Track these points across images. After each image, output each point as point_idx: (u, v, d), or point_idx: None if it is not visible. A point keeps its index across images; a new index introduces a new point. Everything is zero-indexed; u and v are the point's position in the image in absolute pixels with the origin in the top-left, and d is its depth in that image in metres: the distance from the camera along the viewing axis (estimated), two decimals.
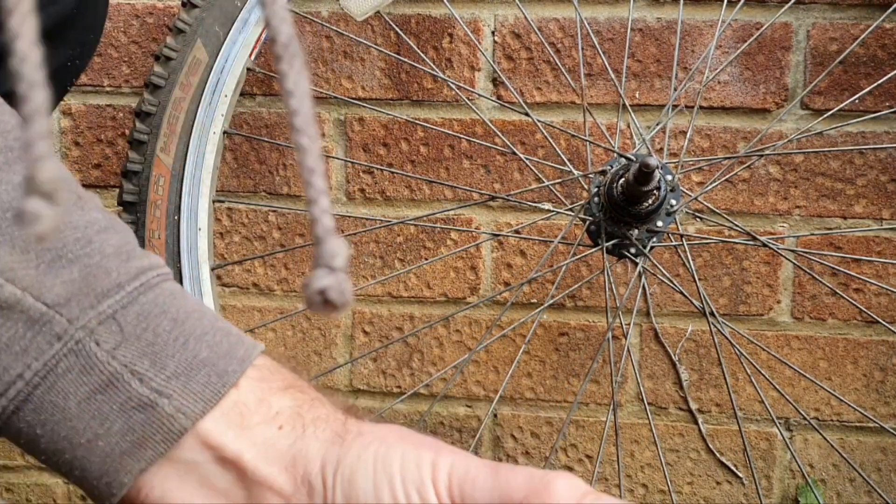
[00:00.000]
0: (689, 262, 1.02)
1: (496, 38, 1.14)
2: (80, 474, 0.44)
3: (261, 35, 1.00)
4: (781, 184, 1.13)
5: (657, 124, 1.08)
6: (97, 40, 0.74)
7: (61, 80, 0.72)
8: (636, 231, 0.94)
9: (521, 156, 1.05)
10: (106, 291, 0.44)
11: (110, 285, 0.44)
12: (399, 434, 0.43)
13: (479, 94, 1.14)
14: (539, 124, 1.04)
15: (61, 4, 0.65)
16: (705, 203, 1.11)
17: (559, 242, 1.07)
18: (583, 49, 1.11)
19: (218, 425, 0.43)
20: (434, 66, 1.12)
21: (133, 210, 0.98)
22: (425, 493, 0.41)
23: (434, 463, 0.41)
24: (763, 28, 1.06)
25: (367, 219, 1.18)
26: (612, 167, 0.95)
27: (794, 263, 1.13)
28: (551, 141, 1.06)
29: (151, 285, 0.46)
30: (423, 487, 0.41)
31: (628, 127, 1.13)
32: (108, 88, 1.20)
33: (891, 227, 1.11)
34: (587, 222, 0.96)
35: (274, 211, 1.19)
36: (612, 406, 1.16)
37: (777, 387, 1.08)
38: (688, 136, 1.09)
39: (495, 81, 1.15)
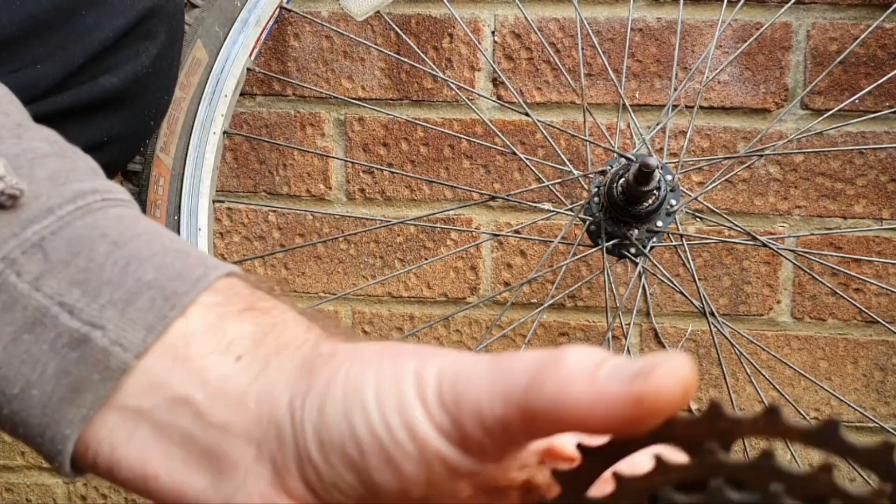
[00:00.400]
0: (689, 262, 1.02)
1: (496, 38, 1.14)
2: (24, 431, 0.37)
3: (261, 35, 1.00)
4: (781, 184, 1.13)
5: (657, 124, 1.08)
6: (169, 101, 0.72)
7: (136, 140, 0.70)
8: (636, 231, 0.94)
9: (521, 156, 1.05)
10: (32, 218, 0.37)
11: (38, 211, 0.38)
12: (377, 349, 0.35)
13: (479, 94, 1.14)
14: (539, 124, 1.04)
15: (138, 64, 0.64)
16: (705, 203, 1.11)
17: (559, 242, 1.07)
18: (583, 49, 1.11)
19: (163, 360, 0.36)
20: (434, 66, 1.12)
21: None
22: (409, 413, 0.32)
23: (418, 372, 0.33)
24: (763, 28, 1.06)
25: (367, 219, 1.18)
26: (612, 167, 0.95)
27: (794, 263, 1.13)
28: (551, 141, 1.06)
29: (92, 209, 0.39)
30: (405, 408, 0.32)
31: (628, 127, 1.13)
32: None
33: (891, 227, 1.11)
34: (587, 222, 0.96)
35: (274, 211, 1.19)
36: None
37: (777, 387, 1.08)
38: (688, 136, 1.09)
39: (495, 81, 1.15)
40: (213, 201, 1.01)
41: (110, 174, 0.72)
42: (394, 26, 1.11)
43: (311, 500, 0.34)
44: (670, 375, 0.29)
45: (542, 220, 1.15)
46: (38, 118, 0.44)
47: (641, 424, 0.30)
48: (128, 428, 0.36)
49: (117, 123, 0.66)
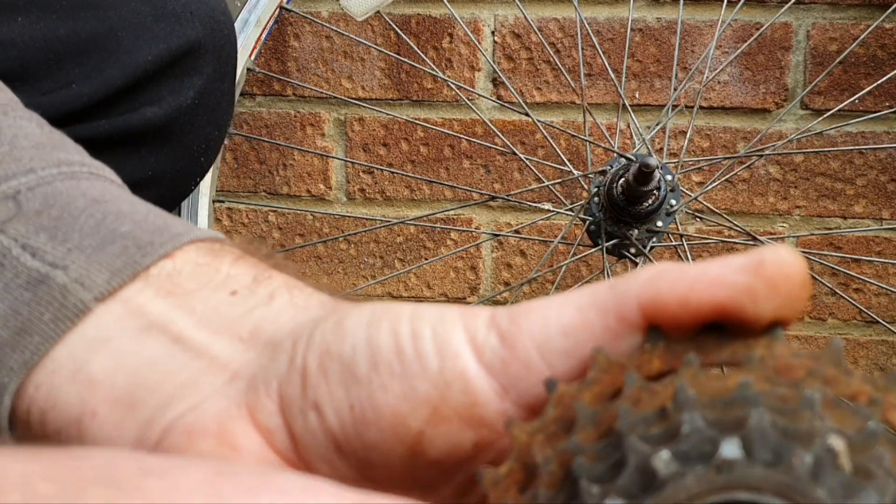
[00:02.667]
0: (689, 262, 1.02)
1: (496, 38, 1.14)
2: None
3: (261, 35, 1.00)
4: (781, 184, 1.13)
5: (657, 124, 1.08)
6: (222, 138, 0.68)
7: (185, 179, 0.67)
8: (636, 231, 0.94)
9: (521, 156, 1.05)
10: (10, 174, 0.35)
11: (18, 170, 0.35)
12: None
13: (479, 94, 1.14)
14: (539, 124, 1.04)
15: (182, 96, 0.62)
16: (705, 203, 1.11)
17: (559, 242, 1.07)
18: (583, 49, 1.11)
19: (142, 295, 0.32)
20: (434, 67, 1.12)
21: None
22: (446, 328, 0.27)
23: (465, 311, 0.28)
24: (763, 28, 1.06)
25: (367, 219, 1.18)
26: (611, 167, 0.95)
27: None
28: (551, 141, 1.06)
29: (76, 175, 0.36)
30: (443, 322, 0.27)
31: (628, 127, 1.13)
32: None
33: (891, 227, 1.11)
34: (587, 222, 0.96)
35: (274, 211, 1.19)
36: None
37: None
38: (688, 136, 1.09)
39: (495, 81, 1.15)
40: (213, 201, 1.01)
41: None
42: (394, 26, 1.11)
43: (276, 424, 0.29)
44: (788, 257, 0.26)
45: (542, 220, 1.15)
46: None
47: (755, 299, 0.25)
48: (76, 363, 0.31)
49: (163, 159, 0.64)
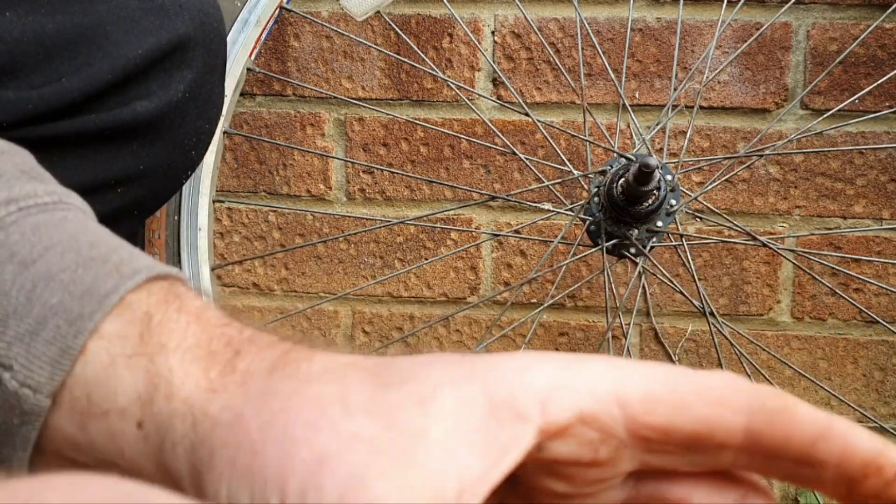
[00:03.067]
0: (689, 262, 1.02)
1: (496, 38, 1.14)
2: None
3: (261, 35, 1.00)
4: (781, 184, 1.13)
5: (657, 124, 1.08)
6: (212, 131, 0.69)
7: (178, 172, 0.67)
8: (636, 231, 0.94)
9: (521, 156, 1.05)
10: None
11: None
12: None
13: (479, 94, 1.14)
14: (539, 124, 1.04)
15: (172, 90, 0.62)
16: (705, 203, 1.11)
17: (559, 242, 1.07)
18: (583, 49, 1.11)
19: (63, 419, 0.33)
20: (434, 67, 1.12)
21: None
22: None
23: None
24: (763, 28, 1.06)
25: (367, 219, 1.18)
26: (611, 167, 0.95)
27: (794, 263, 1.13)
28: (551, 141, 1.06)
29: (5, 225, 0.36)
30: None
31: (628, 127, 1.13)
32: None
33: (891, 227, 1.11)
34: (587, 222, 0.96)
35: (274, 211, 1.19)
36: None
37: (777, 387, 1.08)
38: (688, 136, 1.09)
39: (495, 81, 1.15)
40: (213, 201, 1.01)
41: (154, 207, 0.68)
42: (394, 26, 1.11)
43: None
44: None
45: (542, 220, 1.15)
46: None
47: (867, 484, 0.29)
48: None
49: (155, 153, 0.63)
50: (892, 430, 1.07)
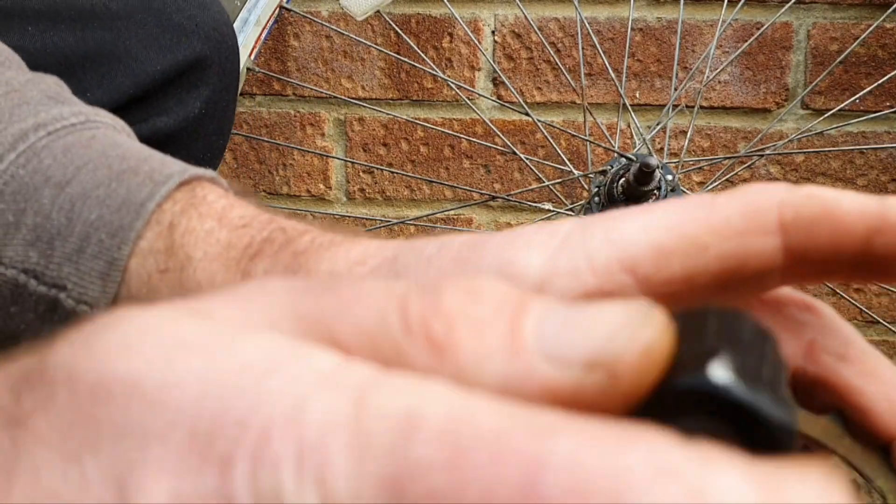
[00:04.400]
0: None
1: (496, 37, 1.14)
2: None
3: (260, 35, 1.00)
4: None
5: (657, 124, 1.08)
6: (225, 145, 0.71)
7: None
8: None
9: (522, 156, 1.05)
10: None
11: None
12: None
13: (479, 94, 1.14)
14: (539, 124, 1.04)
15: (189, 106, 0.64)
16: None
17: None
18: (583, 49, 1.11)
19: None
20: (434, 66, 1.12)
21: None
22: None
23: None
24: (763, 28, 1.06)
25: (367, 219, 1.18)
26: (612, 167, 0.94)
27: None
28: (551, 141, 1.06)
29: (36, 150, 0.37)
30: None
31: (628, 127, 1.13)
32: None
33: None
34: None
35: (274, 210, 1.19)
36: None
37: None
38: (688, 135, 1.09)
39: (495, 81, 1.15)
40: None
41: None
42: (394, 26, 1.11)
43: None
44: None
45: (543, 220, 1.15)
46: None
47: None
48: None
49: None
50: None
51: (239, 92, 1.04)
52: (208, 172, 0.37)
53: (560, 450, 0.14)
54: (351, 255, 0.31)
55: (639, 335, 0.17)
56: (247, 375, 0.16)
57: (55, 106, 0.38)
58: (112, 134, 0.39)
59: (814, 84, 1.09)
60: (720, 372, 0.17)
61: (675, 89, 1.08)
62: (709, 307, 0.19)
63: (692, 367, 0.17)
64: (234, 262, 0.33)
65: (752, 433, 0.17)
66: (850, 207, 0.26)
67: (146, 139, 0.62)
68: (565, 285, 0.26)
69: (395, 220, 1.16)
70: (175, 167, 0.36)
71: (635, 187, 0.88)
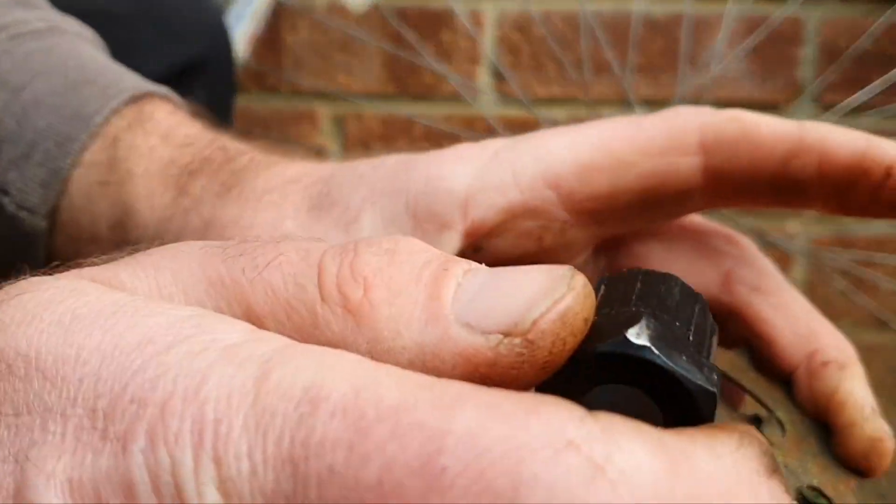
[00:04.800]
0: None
1: (498, 31, 1.13)
2: None
3: (255, 29, 0.99)
4: None
5: None
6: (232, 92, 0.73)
7: None
8: None
9: None
10: None
11: None
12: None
13: (480, 89, 1.12)
14: (542, 120, 1.03)
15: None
16: None
17: None
18: (587, 42, 1.10)
19: (62, 244, 0.35)
20: (434, 61, 1.11)
21: None
22: None
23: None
24: (772, 22, 1.04)
25: None
26: None
27: (805, 264, 1.11)
28: None
29: None
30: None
31: None
32: None
33: None
34: None
35: None
36: None
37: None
38: None
39: (497, 76, 1.13)
40: None
41: None
42: (392, 19, 1.10)
43: None
44: None
45: None
46: None
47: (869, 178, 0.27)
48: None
49: None
50: None
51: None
52: (162, 89, 0.37)
53: (461, 424, 0.14)
54: (287, 173, 0.31)
55: (558, 302, 0.16)
56: (148, 349, 0.15)
57: (21, 10, 0.38)
58: (76, 42, 0.39)
59: (823, 78, 1.07)
60: (638, 337, 0.17)
61: (682, 84, 1.07)
62: (637, 270, 0.20)
63: (613, 333, 0.17)
64: (173, 180, 0.33)
65: (672, 399, 0.17)
66: (769, 130, 0.27)
67: None
68: (492, 200, 0.28)
69: None
70: (129, 82, 0.36)
71: None
